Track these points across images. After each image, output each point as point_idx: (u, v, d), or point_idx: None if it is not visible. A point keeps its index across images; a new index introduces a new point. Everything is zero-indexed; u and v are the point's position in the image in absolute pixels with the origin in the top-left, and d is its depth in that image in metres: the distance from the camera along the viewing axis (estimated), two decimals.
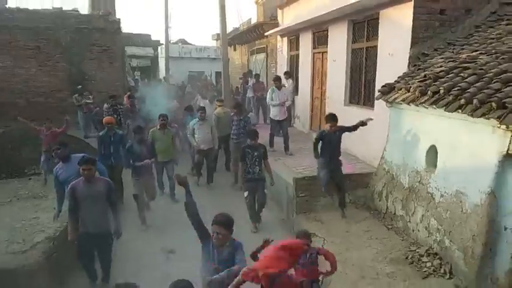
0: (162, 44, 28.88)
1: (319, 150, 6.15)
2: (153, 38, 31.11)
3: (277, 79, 9.27)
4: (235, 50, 20.49)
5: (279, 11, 13.10)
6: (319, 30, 9.78)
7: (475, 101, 4.07)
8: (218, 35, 30.47)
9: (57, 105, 14.08)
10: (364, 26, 7.71)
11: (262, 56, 16.21)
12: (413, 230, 5.30)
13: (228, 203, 7.21)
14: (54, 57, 14.41)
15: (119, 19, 15.64)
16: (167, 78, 22.78)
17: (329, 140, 6.01)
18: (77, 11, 16.56)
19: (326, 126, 6.05)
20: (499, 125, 3.87)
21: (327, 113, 8.96)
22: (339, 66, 8.63)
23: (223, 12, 14.35)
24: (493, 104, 3.84)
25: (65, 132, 8.91)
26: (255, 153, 6.39)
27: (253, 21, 16.27)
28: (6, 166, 9.95)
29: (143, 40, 30.50)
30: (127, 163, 6.84)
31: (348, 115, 8.03)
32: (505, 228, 4.03)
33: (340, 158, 6.25)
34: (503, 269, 4.06)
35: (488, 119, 3.95)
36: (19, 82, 14.07)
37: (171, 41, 27.97)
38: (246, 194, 6.50)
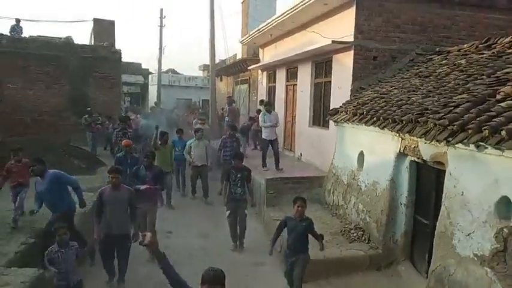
0: (152, 73, 31.11)
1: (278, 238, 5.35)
2: (143, 66, 33.03)
3: (268, 104, 10.41)
4: (221, 80, 22.68)
5: (260, 50, 15.41)
6: (291, 67, 12.00)
7: (381, 118, 6.14)
8: (205, 65, 32.94)
9: (61, 124, 15.85)
10: (322, 66, 9.92)
11: (245, 86, 18.42)
12: (348, 214, 7.25)
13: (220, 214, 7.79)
14: (60, 81, 16.22)
15: (120, 50, 17.66)
16: (158, 104, 24.68)
17: (294, 227, 5.07)
18: (71, 39, 18.56)
19: (293, 210, 5.11)
20: (396, 134, 5.93)
21: (296, 134, 11.15)
22: (305, 96, 10.77)
23: (213, 47, 16.62)
24: (390, 121, 5.90)
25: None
26: (239, 175, 6.77)
27: (238, 56, 18.56)
28: None
29: (134, 68, 32.42)
30: (128, 184, 6.34)
31: (312, 134, 10.18)
32: (401, 204, 6.01)
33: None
34: (400, 231, 6.02)
35: (390, 130, 6.00)
36: (28, 102, 15.75)
37: (161, 70, 30.14)
38: (227, 213, 6.92)
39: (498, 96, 4.57)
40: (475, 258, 4.28)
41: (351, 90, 8.21)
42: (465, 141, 4.34)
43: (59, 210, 5.63)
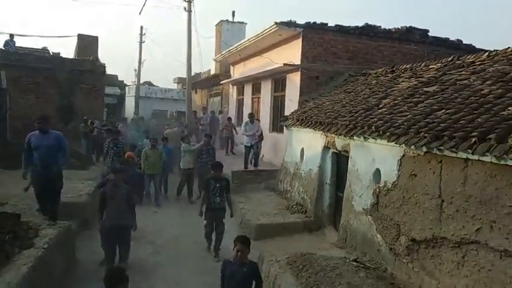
0: (128, 85, 32.84)
1: None
2: (119, 78, 34.53)
3: (251, 115, 11.83)
4: (196, 92, 24.84)
5: (232, 67, 17.75)
6: (256, 83, 14.34)
7: (313, 122, 8.46)
8: (179, 78, 35.08)
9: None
10: (280, 83, 12.30)
11: (218, 98, 20.68)
12: (293, 196, 9.52)
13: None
14: (49, 91, 17.92)
15: (104, 64, 19.56)
16: (137, 113, 26.48)
17: (232, 274, 4.23)
18: (47, 50, 20.31)
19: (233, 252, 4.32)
20: (322, 133, 8.24)
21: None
22: (266, 107, 13.10)
23: (189, 63, 18.79)
24: (319, 123, 8.22)
25: None
26: (217, 185, 6.97)
27: (212, 72, 20.86)
28: None
29: (111, 80, 33.96)
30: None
31: (271, 138, 12.44)
32: (326, 183, 8.31)
33: None
34: (326, 204, 8.30)
35: (319, 130, 8.31)
36: (19, 109, 17.35)
37: (135, 82, 31.91)
38: (205, 222, 7.10)
39: (381, 106, 6.96)
40: (363, 211, 6.57)
41: (299, 102, 10.57)
42: (358, 135, 6.67)
43: (52, 166, 6.24)
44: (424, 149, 5.13)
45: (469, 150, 4.40)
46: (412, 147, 5.33)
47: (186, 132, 14.13)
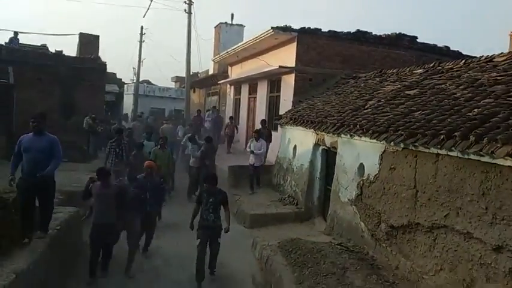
0: (127, 83, 33.35)
1: None
2: (117, 76, 34.96)
3: (257, 131, 10.87)
4: (194, 92, 25.41)
5: (229, 68, 18.36)
6: (252, 83, 14.98)
7: (305, 121, 9.10)
8: (177, 77, 35.61)
9: (49, 125, 17.95)
10: (275, 83, 12.94)
11: (215, 97, 21.29)
12: (286, 189, 10.15)
13: None
14: (51, 87, 18.42)
15: (105, 62, 20.09)
16: (135, 112, 26.97)
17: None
18: (46, 46, 20.86)
19: None
20: (313, 131, 8.88)
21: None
22: (262, 106, 13.74)
23: (189, 63, 19.40)
24: (310, 122, 8.86)
25: None
26: (211, 199, 6.09)
27: (211, 72, 21.48)
28: None
29: (109, 78, 34.41)
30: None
31: None
32: (316, 178, 8.95)
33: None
34: (316, 196, 8.94)
35: (310, 128, 8.95)
36: (22, 105, 17.84)
37: (134, 80, 32.42)
38: (198, 241, 6.03)
39: (366, 106, 7.61)
40: (348, 201, 7.21)
41: (292, 102, 11.21)
42: (345, 132, 7.32)
43: (39, 171, 5.40)
44: (402, 145, 5.77)
45: (438, 146, 5.04)
46: (392, 143, 5.98)
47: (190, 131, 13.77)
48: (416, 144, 5.42)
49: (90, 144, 15.20)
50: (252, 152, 10.22)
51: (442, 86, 6.79)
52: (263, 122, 11.81)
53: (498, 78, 6.03)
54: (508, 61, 6.48)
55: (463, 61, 7.49)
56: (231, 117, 15.37)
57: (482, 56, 7.30)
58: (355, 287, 5.01)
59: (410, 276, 5.52)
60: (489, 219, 4.49)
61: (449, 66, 7.66)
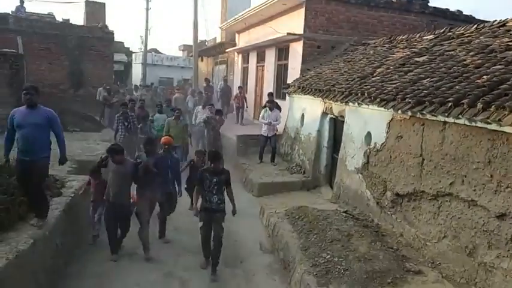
0: (135, 52, 33.12)
1: None
2: (126, 45, 34.75)
3: (271, 101, 10.44)
4: (202, 60, 25.18)
5: (237, 35, 18.08)
6: (260, 51, 14.77)
7: (313, 89, 9.04)
8: (185, 46, 35.25)
9: (60, 95, 18.13)
10: (283, 51, 12.75)
11: (223, 66, 21.08)
12: (293, 158, 10.22)
13: None
14: (60, 58, 18.43)
15: (113, 31, 19.90)
16: (144, 81, 26.94)
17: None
18: (53, 15, 20.71)
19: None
20: (321, 100, 8.83)
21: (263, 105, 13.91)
22: (270, 75, 13.61)
23: (196, 31, 19.13)
24: (318, 91, 8.80)
25: None
26: (214, 179, 5.48)
27: (218, 40, 21.16)
28: None
29: (117, 47, 34.21)
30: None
31: None
32: (324, 147, 8.98)
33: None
34: (323, 165, 9.01)
35: (318, 97, 8.90)
36: (31, 75, 17.93)
37: (142, 49, 32.17)
38: (200, 224, 5.63)
39: (375, 74, 7.51)
40: (355, 170, 7.27)
41: (300, 70, 11.09)
42: (352, 101, 7.27)
43: (37, 155, 4.94)
44: (409, 113, 5.75)
45: (445, 114, 5.01)
46: (399, 111, 5.95)
47: (200, 102, 13.66)
48: (424, 112, 5.40)
49: (105, 116, 14.93)
50: (269, 122, 9.99)
51: (452, 52, 6.65)
52: (270, 94, 11.47)
53: (510, 43, 5.88)
54: None
55: (475, 26, 7.29)
56: (239, 87, 15.16)
57: (495, 20, 7.08)
58: (360, 253, 5.13)
59: (414, 243, 5.63)
60: (494, 186, 4.53)
61: (460, 32, 7.46)
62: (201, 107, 11.84)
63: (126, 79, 33.50)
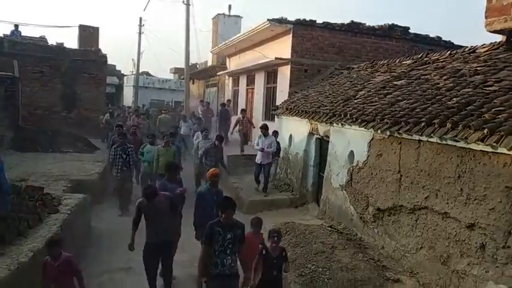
0: (126, 75, 33.67)
1: None
2: (117, 68, 35.19)
3: (265, 127, 9.83)
4: (193, 83, 25.73)
5: (227, 59, 18.70)
6: (250, 74, 15.33)
7: (300, 111, 9.50)
8: (176, 68, 35.92)
9: (52, 117, 18.40)
10: (272, 75, 13.31)
11: (214, 89, 21.63)
12: (281, 176, 10.58)
13: None
14: (53, 80, 18.76)
15: (106, 54, 20.39)
16: (135, 103, 27.31)
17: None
18: (45, 39, 21.16)
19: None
20: (307, 121, 9.28)
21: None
22: (259, 97, 14.12)
23: (188, 55, 19.69)
24: (304, 112, 9.26)
25: None
26: (228, 235, 4.32)
27: (209, 63, 21.78)
28: None
29: (109, 70, 34.69)
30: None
31: None
32: (310, 165, 9.38)
33: None
34: (310, 183, 9.38)
35: (305, 118, 9.35)
36: (25, 97, 18.18)
37: (133, 72, 32.69)
38: None
39: (357, 96, 8.00)
40: (340, 187, 7.65)
41: (289, 93, 11.60)
42: (336, 122, 7.73)
43: None
44: (388, 132, 6.19)
45: (419, 133, 5.46)
46: (378, 131, 6.39)
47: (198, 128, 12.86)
48: (400, 131, 5.84)
49: (109, 140, 14.25)
50: (262, 149, 9.43)
51: (428, 76, 7.17)
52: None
53: (478, 68, 6.41)
54: (488, 52, 6.85)
55: (449, 52, 7.86)
56: (242, 110, 13.61)
57: (467, 47, 7.67)
58: (343, 263, 5.46)
59: (394, 254, 5.98)
60: (463, 199, 4.93)
61: (436, 57, 8.03)
62: (201, 134, 10.89)
63: (117, 101, 33.93)
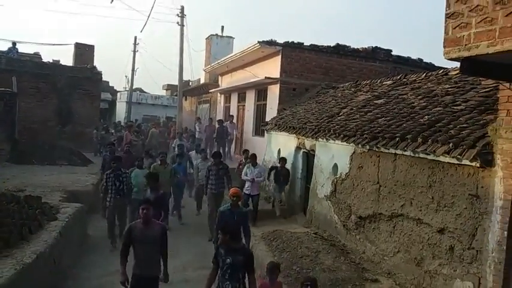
0: (119, 91, 34.14)
1: None
2: (110, 84, 35.62)
3: (253, 157, 9.52)
4: (186, 99, 26.31)
5: (220, 77, 19.34)
6: (241, 92, 15.94)
7: (288, 127, 10.06)
8: (169, 85, 36.55)
9: (47, 132, 18.69)
10: (262, 93, 13.93)
11: (206, 105, 22.21)
12: (270, 189, 11.03)
13: None
14: (49, 96, 19.11)
15: (101, 71, 20.88)
16: (128, 119, 27.68)
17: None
18: (39, 55, 21.62)
19: None
20: (295, 136, 9.83)
21: (244, 142, 14.88)
22: (250, 114, 14.70)
23: (181, 73, 20.31)
24: (292, 128, 9.81)
25: None
26: (228, 260, 4.33)
27: (202, 81, 22.42)
28: None
29: (102, 86, 35.13)
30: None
31: (254, 142, 14.00)
32: (298, 178, 9.88)
33: None
34: (297, 195, 9.86)
35: (292, 133, 9.89)
36: (20, 112, 18.50)
37: (126, 88, 33.19)
38: None
39: (340, 114, 8.59)
40: (324, 197, 8.14)
41: (278, 110, 12.19)
42: (321, 137, 8.28)
43: None
44: (367, 147, 6.74)
45: (395, 147, 6.01)
46: (359, 145, 6.94)
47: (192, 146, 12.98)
48: (378, 146, 6.39)
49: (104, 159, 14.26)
50: (252, 179, 9.01)
51: (404, 96, 7.80)
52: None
53: (449, 89, 7.04)
54: (459, 74, 7.50)
55: (424, 74, 8.52)
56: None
57: (441, 69, 8.34)
58: (325, 265, 5.92)
59: (374, 258, 6.45)
60: (434, 206, 5.44)
61: (413, 79, 8.68)
62: (197, 155, 10.79)
63: (110, 117, 34.25)
